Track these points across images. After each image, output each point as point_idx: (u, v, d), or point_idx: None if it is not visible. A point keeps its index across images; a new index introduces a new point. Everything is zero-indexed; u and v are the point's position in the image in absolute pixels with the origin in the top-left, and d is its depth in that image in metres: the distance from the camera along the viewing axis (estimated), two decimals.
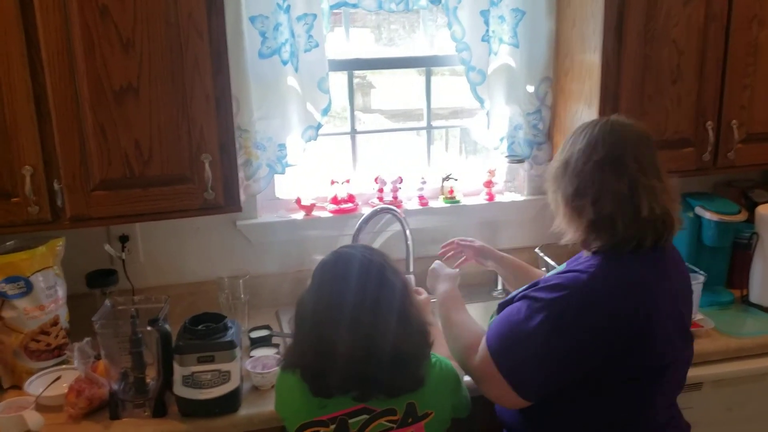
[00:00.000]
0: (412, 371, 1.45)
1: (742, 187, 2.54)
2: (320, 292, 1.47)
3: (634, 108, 2.08)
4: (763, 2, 2.12)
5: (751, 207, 2.28)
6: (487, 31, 2.21)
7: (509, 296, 1.58)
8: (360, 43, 2.43)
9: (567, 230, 1.55)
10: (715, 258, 2.27)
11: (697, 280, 2.03)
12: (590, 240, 1.50)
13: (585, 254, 1.56)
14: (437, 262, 1.97)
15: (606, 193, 1.45)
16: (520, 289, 1.56)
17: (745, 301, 2.24)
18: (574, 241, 1.54)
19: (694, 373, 1.93)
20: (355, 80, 2.55)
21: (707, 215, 2.18)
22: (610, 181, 1.46)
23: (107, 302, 1.84)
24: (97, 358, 1.79)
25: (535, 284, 1.51)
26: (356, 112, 2.47)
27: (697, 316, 2.07)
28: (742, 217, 2.20)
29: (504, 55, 2.24)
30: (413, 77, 2.42)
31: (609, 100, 2.06)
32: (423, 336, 1.48)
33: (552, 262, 2.31)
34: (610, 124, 1.55)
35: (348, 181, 2.32)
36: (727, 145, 2.20)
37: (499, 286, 2.43)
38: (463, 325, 1.65)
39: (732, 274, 2.32)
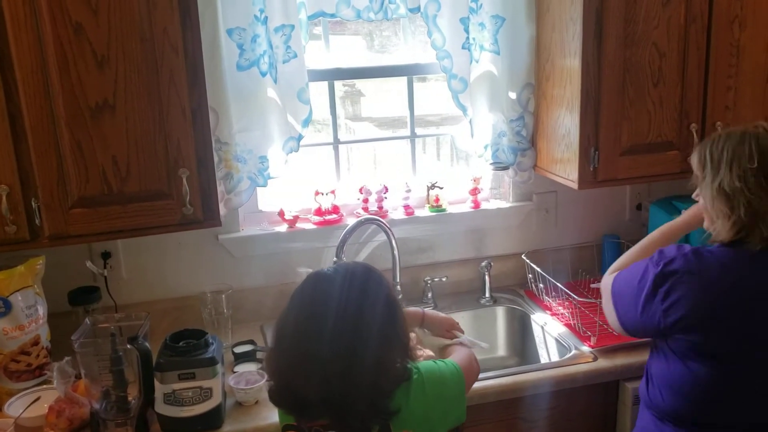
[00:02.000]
0: (389, 395, 1.40)
1: None
2: (302, 307, 1.42)
3: (616, 112, 2.07)
4: (743, 3, 2.11)
5: None
6: (468, 38, 2.20)
7: None
8: (350, 51, 2.42)
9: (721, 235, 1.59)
10: None
11: None
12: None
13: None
14: None
15: None
16: None
17: None
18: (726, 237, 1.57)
19: None
20: (344, 88, 2.54)
21: None
22: None
23: (87, 320, 1.83)
24: (78, 377, 1.77)
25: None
26: (346, 121, 2.46)
27: None
28: None
29: (485, 63, 2.23)
30: (403, 85, 2.41)
31: (590, 104, 2.04)
32: (404, 355, 1.44)
33: (538, 269, 2.30)
34: (758, 133, 1.56)
35: (333, 192, 2.31)
36: None
37: (487, 294, 2.41)
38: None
39: None
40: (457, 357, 1.65)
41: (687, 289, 1.51)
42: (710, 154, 1.57)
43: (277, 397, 1.43)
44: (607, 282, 1.75)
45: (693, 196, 1.68)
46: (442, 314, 1.88)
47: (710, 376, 1.52)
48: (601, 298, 1.79)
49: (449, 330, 1.82)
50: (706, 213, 1.62)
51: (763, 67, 2.19)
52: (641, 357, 1.93)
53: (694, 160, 1.64)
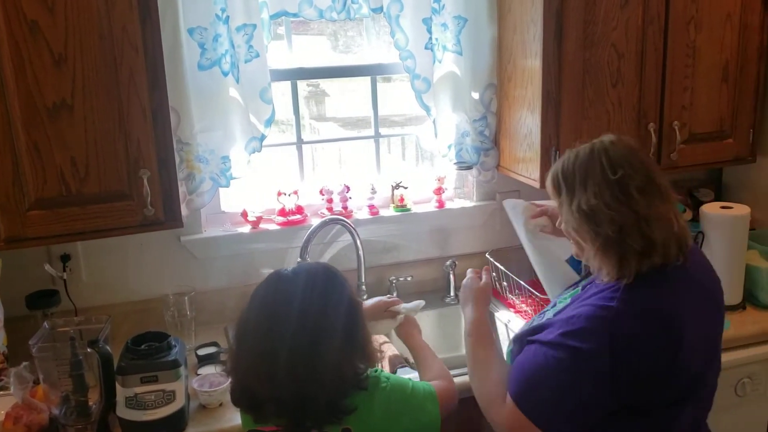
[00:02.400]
0: (346, 395, 1.39)
1: (688, 187, 2.58)
2: (262, 307, 1.42)
3: (576, 112, 2.10)
4: (698, 5, 2.16)
5: (697, 206, 2.31)
6: (431, 38, 2.21)
7: (525, 329, 1.55)
8: (314, 50, 2.41)
9: (601, 268, 1.45)
10: None
11: None
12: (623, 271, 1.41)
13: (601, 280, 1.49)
14: (469, 275, 1.84)
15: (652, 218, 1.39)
16: (534, 325, 1.53)
17: None
18: (612, 277, 1.43)
19: None
20: (309, 89, 2.54)
21: None
22: (652, 204, 1.40)
23: (45, 324, 1.79)
24: (36, 382, 1.74)
25: (550, 324, 1.46)
26: (310, 121, 2.45)
27: None
28: (688, 216, 2.24)
29: (448, 63, 2.24)
30: (368, 85, 2.41)
31: (551, 104, 2.07)
32: (365, 356, 1.44)
33: (502, 267, 2.32)
34: (607, 146, 1.46)
35: (296, 193, 2.30)
36: (669, 146, 2.23)
37: (452, 293, 2.42)
38: (488, 367, 1.59)
39: None
40: (435, 379, 1.64)
41: None
42: (563, 176, 1.47)
43: (237, 396, 1.43)
44: None
45: (557, 225, 1.59)
46: (369, 301, 1.90)
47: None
48: None
49: (386, 310, 1.85)
50: (575, 242, 1.50)
51: (718, 68, 2.24)
52: None
53: (548, 187, 1.53)
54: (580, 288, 1.62)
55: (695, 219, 2.28)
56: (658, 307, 1.39)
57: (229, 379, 1.50)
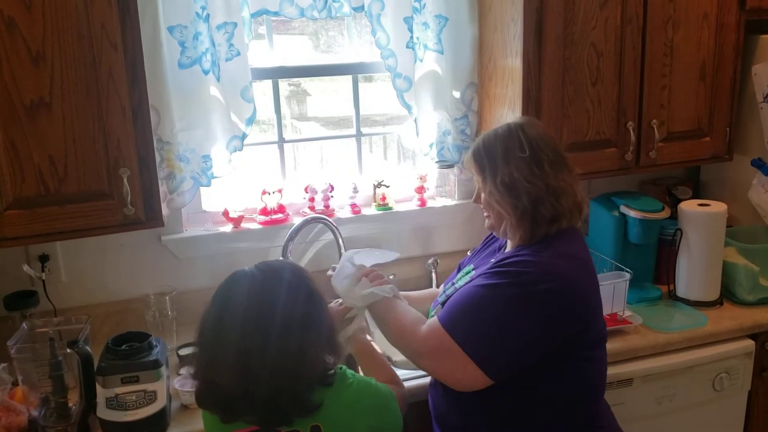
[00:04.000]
0: (312, 387, 1.39)
1: (666, 185, 2.61)
2: (222, 303, 1.40)
3: (556, 110, 2.11)
4: (676, 4, 2.18)
5: (676, 204, 2.34)
6: (412, 37, 2.21)
7: (449, 293, 1.66)
8: (296, 50, 2.41)
9: (516, 233, 1.60)
10: (642, 255, 2.32)
11: (624, 278, 2.08)
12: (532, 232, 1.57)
13: (508, 248, 1.68)
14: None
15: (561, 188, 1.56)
16: (462, 282, 1.64)
17: (672, 296, 2.30)
18: (524, 241, 1.59)
19: (624, 369, 2.00)
20: (290, 88, 2.53)
21: (632, 213, 2.23)
22: (559, 176, 1.57)
23: (24, 325, 1.77)
24: (15, 384, 1.72)
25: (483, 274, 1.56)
26: (292, 121, 2.45)
27: (626, 312, 2.11)
28: (666, 214, 2.25)
29: (429, 62, 2.25)
30: (349, 84, 2.41)
31: (531, 103, 2.09)
32: (328, 348, 1.43)
33: None
34: (524, 125, 1.63)
35: (279, 191, 2.29)
36: (648, 144, 2.26)
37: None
38: (402, 313, 1.64)
39: (659, 270, 2.38)
40: (387, 383, 1.61)
41: None
42: (486, 154, 1.60)
43: (202, 396, 1.42)
44: None
45: (482, 206, 1.68)
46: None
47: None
48: None
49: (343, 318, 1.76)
50: (496, 217, 1.63)
51: (695, 66, 2.27)
52: None
53: (471, 167, 1.66)
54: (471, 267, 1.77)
55: (673, 216, 2.30)
56: (580, 255, 1.59)
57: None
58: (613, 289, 2.06)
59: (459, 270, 1.90)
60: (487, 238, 1.91)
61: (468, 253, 1.98)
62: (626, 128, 2.21)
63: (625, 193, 2.38)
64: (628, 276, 2.08)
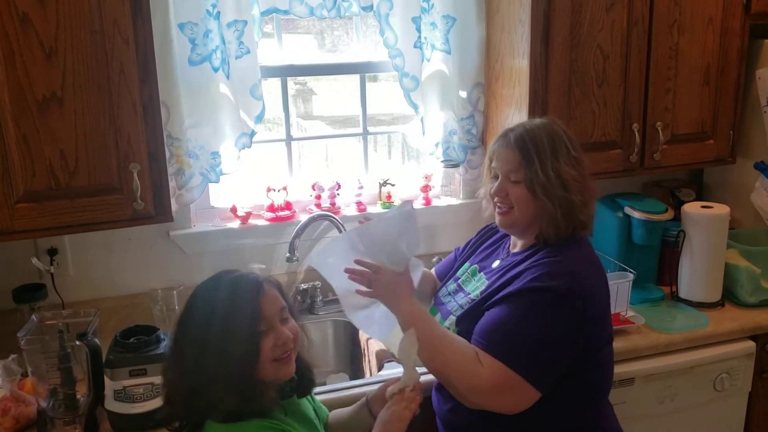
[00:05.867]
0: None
1: (669, 187, 2.63)
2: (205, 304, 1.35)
3: (562, 111, 2.13)
4: (682, 8, 2.20)
5: (679, 206, 2.35)
6: (419, 37, 2.23)
7: (468, 307, 1.61)
8: (303, 49, 2.42)
9: (538, 230, 1.59)
10: (645, 256, 2.33)
11: (627, 278, 2.09)
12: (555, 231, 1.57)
13: (517, 248, 1.67)
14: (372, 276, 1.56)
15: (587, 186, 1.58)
16: (476, 300, 1.60)
17: (674, 297, 2.31)
18: (550, 240, 1.58)
19: (626, 369, 2.01)
20: (296, 87, 2.54)
21: (636, 215, 2.25)
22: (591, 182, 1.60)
23: (33, 317, 1.78)
24: (24, 375, 1.73)
25: (498, 289, 1.54)
26: (297, 119, 2.46)
27: (629, 312, 2.13)
28: (669, 215, 2.27)
29: (437, 62, 2.27)
30: (355, 84, 2.43)
31: (538, 104, 2.10)
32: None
33: None
34: (561, 124, 1.63)
35: (285, 189, 2.31)
36: (652, 146, 2.27)
37: None
38: (449, 338, 1.53)
39: (661, 271, 2.40)
40: None
41: None
42: (532, 141, 1.55)
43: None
44: None
45: (499, 199, 1.62)
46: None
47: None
48: None
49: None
50: (526, 211, 1.57)
51: (700, 70, 2.29)
52: None
53: (513, 159, 1.57)
54: (481, 274, 1.72)
55: (676, 218, 2.32)
56: (598, 261, 1.62)
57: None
58: (617, 290, 2.07)
59: (456, 260, 1.89)
60: (481, 231, 1.89)
61: (434, 265, 1.96)
62: (631, 130, 2.23)
63: (629, 195, 2.40)
64: (631, 276, 2.10)
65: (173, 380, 1.34)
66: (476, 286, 1.68)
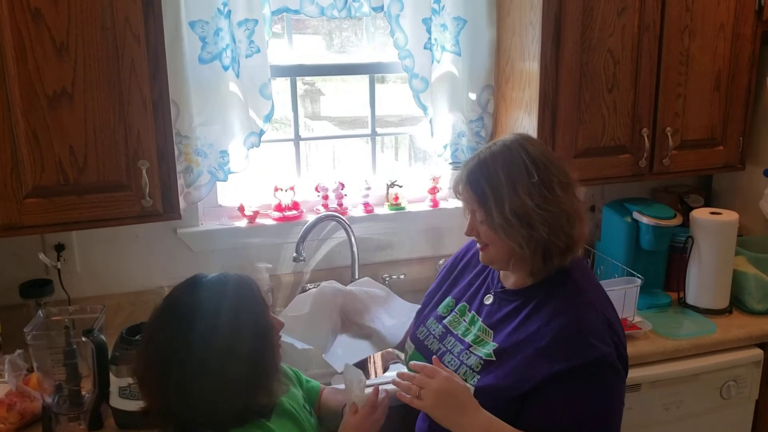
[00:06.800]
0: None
1: (678, 193, 2.62)
2: (172, 311, 1.37)
3: (572, 115, 2.12)
4: (693, 14, 2.19)
5: (687, 212, 2.34)
6: (430, 39, 2.22)
7: (490, 379, 1.42)
8: (311, 50, 2.42)
9: (525, 267, 1.46)
10: (653, 261, 2.33)
11: (635, 284, 2.09)
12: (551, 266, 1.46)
13: (510, 281, 1.54)
14: (417, 375, 1.45)
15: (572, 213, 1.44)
16: (464, 331, 1.54)
17: (682, 303, 2.30)
18: (536, 277, 1.48)
19: (632, 374, 1.98)
20: (304, 87, 2.54)
21: (644, 220, 2.24)
22: (571, 200, 1.45)
23: (40, 313, 1.79)
24: (30, 370, 1.73)
25: (530, 354, 1.39)
26: (305, 119, 2.46)
27: (635, 318, 2.12)
28: (678, 221, 2.26)
29: (446, 63, 2.26)
30: (362, 85, 2.42)
31: (548, 107, 2.10)
32: (266, 390, 1.36)
33: None
34: (524, 143, 1.46)
35: (292, 189, 2.31)
36: (662, 151, 2.26)
37: None
38: None
39: (669, 277, 2.39)
40: None
41: None
42: (487, 182, 1.42)
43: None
44: None
45: (479, 244, 1.52)
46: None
47: None
48: None
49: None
50: (501, 251, 1.45)
51: (710, 76, 2.28)
52: None
53: (468, 197, 1.47)
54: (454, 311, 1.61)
55: (685, 224, 2.31)
56: (593, 278, 1.55)
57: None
58: (624, 295, 2.07)
59: (437, 289, 1.73)
60: (458, 254, 1.75)
61: (444, 269, 1.78)
62: (641, 135, 2.22)
63: (637, 200, 2.39)
64: (639, 282, 2.09)
65: (186, 390, 1.29)
66: (477, 336, 1.52)
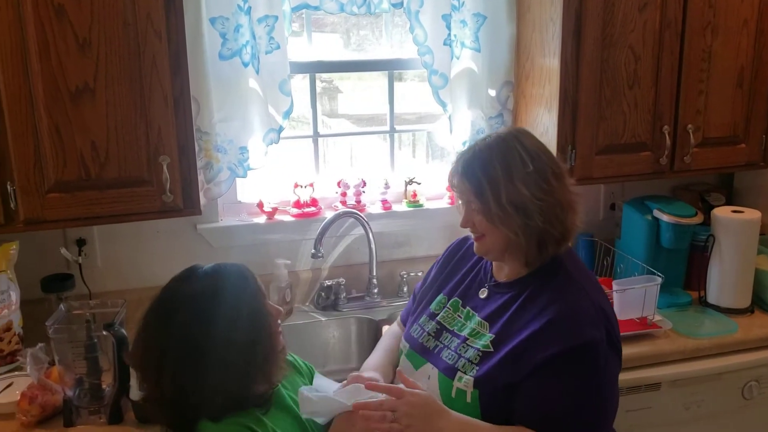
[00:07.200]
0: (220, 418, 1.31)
1: (699, 191, 2.59)
2: (165, 301, 1.38)
3: (593, 111, 2.11)
4: (716, 10, 2.17)
5: (708, 210, 2.32)
6: (449, 35, 2.22)
7: (485, 368, 1.44)
8: (328, 48, 2.43)
9: (520, 257, 1.48)
10: (673, 260, 2.30)
11: (655, 282, 2.07)
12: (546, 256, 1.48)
13: (504, 273, 1.55)
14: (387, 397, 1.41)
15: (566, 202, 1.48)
16: (459, 326, 1.55)
17: (702, 302, 2.28)
18: (531, 266, 1.50)
19: (652, 373, 1.98)
20: (322, 85, 2.55)
21: (665, 218, 2.22)
22: (565, 189, 1.48)
23: (61, 307, 1.80)
24: (51, 364, 1.75)
25: (523, 339, 1.41)
26: (322, 117, 2.46)
27: (656, 317, 2.10)
28: (699, 219, 2.24)
29: (466, 59, 2.25)
30: (380, 82, 2.43)
31: (568, 103, 2.08)
32: (263, 376, 1.36)
33: None
34: (518, 135, 1.50)
35: (311, 185, 2.31)
36: (683, 149, 2.24)
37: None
38: None
39: (690, 275, 2.36)
40: None
41: None
42: (483, 172, 1.43)
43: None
44: None
45: (472, 230, 1.52)
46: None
47: None
48: None
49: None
50: (497, 241, 1.47)
51: (733, 73, 2.25)
52: None
53: (464, 189, 1.48)
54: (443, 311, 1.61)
55: (706, 222, 2.29)
56: (585, 268, 1.57)
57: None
58: (644, 293, 2.05)
59: (424, 286, 1.75)
60: (450, 251, 1.75)
61: (432, 268, 1.78)
62: (662, 132, 2.20)
63: (658, 198, 2.37)
64: (659, 280, 2.07)
65: (183, 379, 1.29)
66: (474, 329, 1.52)
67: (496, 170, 1.42)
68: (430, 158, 2.67)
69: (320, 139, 2.43)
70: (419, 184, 2.42)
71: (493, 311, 1.52)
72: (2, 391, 1.75)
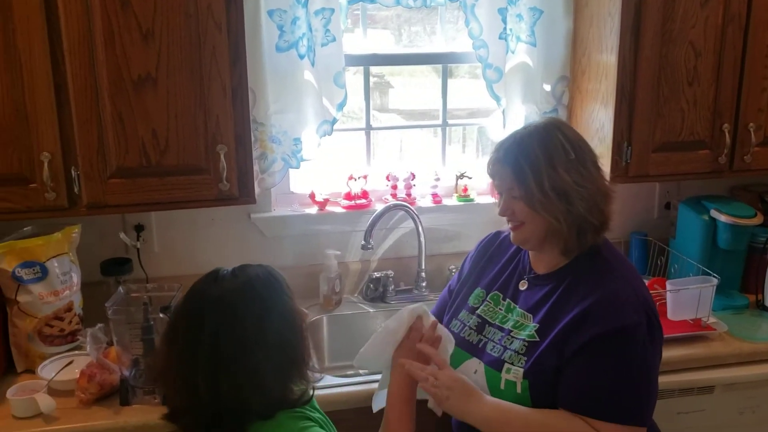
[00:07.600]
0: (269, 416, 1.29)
1: (759, 191, 2.52)
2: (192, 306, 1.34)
3: (650, 108, 2.07)
4: None
5: None
6: (505, 29, 2.21)
7: (534, 357, 1.45)
8: (380, 44, 2.44)
9: (559, 245, 1.49)
10: (730, 261, 2.25)
11: (711, 283, 2.02)
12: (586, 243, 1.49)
13: (542, 265, 1.55)
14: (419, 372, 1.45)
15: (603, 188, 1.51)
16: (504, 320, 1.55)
17: (760, 305, 2.22)
18: (571, 254, 1.51)
19: (706, 376, 1.95)
20: (373, 80, 2.56)
21: (722, 218, 2.17)
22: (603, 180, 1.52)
23: (120, 289, 1.85)
24: (110, 344, 1.80)
25: (567, 325, 1.43)
26: (373, 112, 2.48)
27: (710, 318, 2.06)
28: (758, 220, 2.18)
29: (521, 54, 2.24)
30: (431, 78, 2.43)
31: (625, 100, 2.05)
32: (301, 376, 1.34)
33: None
34: (558, 125, 1.53)
35: (365, 177, 2.33)
36: (743, 148, 2.18)
37: None
38: (545, 417, 1.42)
39: (747, 278, 2.31)
40: None
41: None
42: (525, 159, 1.44)
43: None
44: None
45: (511, 219, 1.52)
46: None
47: None
48: None
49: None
50: (537, 228, 1.47)
51: None
52: None
53: (507, 176, 1.48)
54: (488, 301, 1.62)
55: (765, 224, 2.23)
56: (624, 258, 1.59)
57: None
58: (699, 294, 2.01)
59: (459, 280, 1.74)
60: (483, 245, 1.76)
61: (465, 263, 1.78)
62: (721, 130, 2.14)
63: (715, 197, 2.31)
64: (715, 281, 2.03)
65: (217, 381, 1.25)
66: (517, 321, 1.54)
67: (537, 157, 1.44)
68: (480, 154, 2.66)
69: (372, 132, 2.44)
70: (470, 178, 2.41)
71: (536, 302, 1.53)
72: (63, 368, 1.81)
